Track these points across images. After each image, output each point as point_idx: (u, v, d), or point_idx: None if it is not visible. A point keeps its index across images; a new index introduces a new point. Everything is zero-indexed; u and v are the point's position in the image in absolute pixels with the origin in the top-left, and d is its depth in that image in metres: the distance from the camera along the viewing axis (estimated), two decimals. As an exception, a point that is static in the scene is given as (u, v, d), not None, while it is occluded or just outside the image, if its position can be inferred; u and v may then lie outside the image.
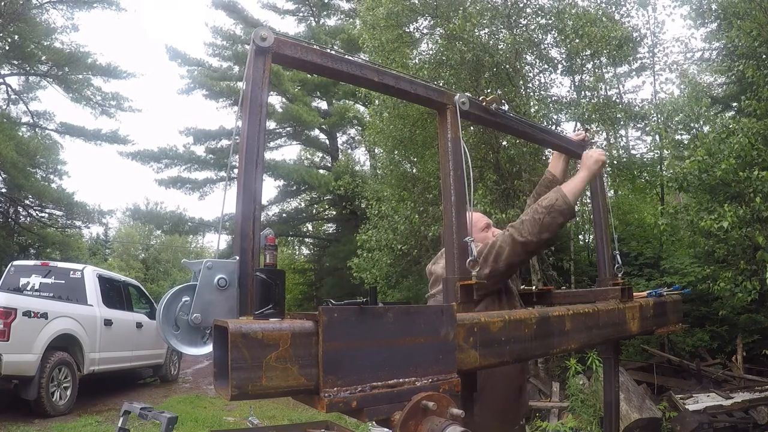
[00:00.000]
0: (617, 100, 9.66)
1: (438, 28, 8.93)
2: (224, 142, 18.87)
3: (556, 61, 9.16)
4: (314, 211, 22.35)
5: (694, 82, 8.68)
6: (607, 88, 9.89)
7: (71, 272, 8.03)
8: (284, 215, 20.89)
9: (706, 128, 6.56)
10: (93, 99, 18.24)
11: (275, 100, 18.45)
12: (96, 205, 18.30)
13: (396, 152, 10.30)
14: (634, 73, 11.85)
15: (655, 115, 8.52)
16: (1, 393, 6.39)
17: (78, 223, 18.72)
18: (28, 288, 7.68)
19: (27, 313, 6.28)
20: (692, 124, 6.88)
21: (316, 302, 20.09)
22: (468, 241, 1.52)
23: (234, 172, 1.36)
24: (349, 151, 22.23)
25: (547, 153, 8.88)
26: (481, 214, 2.27)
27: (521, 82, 8.86)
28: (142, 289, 10.48)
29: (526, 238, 1.82)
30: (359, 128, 19.78)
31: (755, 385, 6.95)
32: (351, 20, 19.43)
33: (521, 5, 8.85)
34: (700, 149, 5.84)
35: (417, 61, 9.11)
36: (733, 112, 8.44)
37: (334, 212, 21.51)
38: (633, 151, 12.07)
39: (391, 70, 1.58)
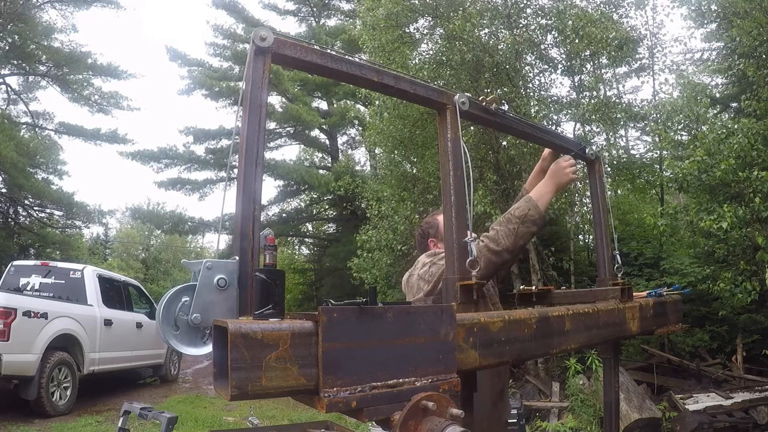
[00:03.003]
0: (617, 101, 9.66)
1: (438, 29, 8.93)
2: (224, 142, 18.87)
3: (556, 61, 9.16)
4: (314, 211, 22.33)
5: (693, 83, 8.68)
6: (607, 88, 9.89)
7: (71, 272, 8.03)
8: (284, 215, 20.88)
9: (704, 128, 6.56)
10: (92, 99, 18.25)
11: (275, 100, 18.46)
12: (96, 205, 18.32)
13: (396, 152, 10.29)
14: (633, 73, 11.87)
15: (654, 115, 8.52)
16: (1, 393, 6.40)
17: (78, 223, 18.73)
18: (28, 288, 7.68)
19: (27, 313, 6.28)
20: (692, 125, 6.88)
21: (316, 302, 20.07)
22: (468, 241, 1.52)
23: (234, 172, 1.35)
24: (349, 151, 22.27)
25: (546, 153, 8.87)
26: None
27: (521, 82, 8.85)
28: (142, 289, 10.47)
29: (502, 247, 1.87)
30: (359, 128, 19.77)
31: (755, 385, 6.95)
32: (351, 21, 19.42)
33: (521, 5, 8.84)
34: (699, 149, 5.84)
35: (417, 61, 9.10)
36: (732, 113, 8.43)
37: (334, 212, 21.49)
38: (633, 151, 12.09)
39: (390, 70, 1.57)
